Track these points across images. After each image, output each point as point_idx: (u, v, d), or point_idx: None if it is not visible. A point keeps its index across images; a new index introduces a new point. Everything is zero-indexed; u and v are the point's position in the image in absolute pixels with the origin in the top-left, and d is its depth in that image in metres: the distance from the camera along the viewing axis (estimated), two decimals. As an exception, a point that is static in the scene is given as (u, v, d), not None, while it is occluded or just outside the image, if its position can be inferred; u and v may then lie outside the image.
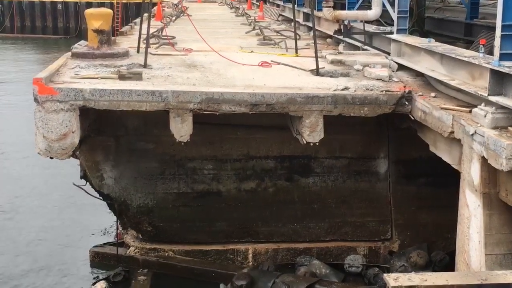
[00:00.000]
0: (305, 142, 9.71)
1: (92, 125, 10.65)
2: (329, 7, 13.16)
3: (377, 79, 10.36)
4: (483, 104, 7.95)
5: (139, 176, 11.44)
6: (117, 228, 12.47)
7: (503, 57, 7.67)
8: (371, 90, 9.77)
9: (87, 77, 10.07)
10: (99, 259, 12.07)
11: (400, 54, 11.26)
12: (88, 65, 11.10)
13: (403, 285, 6.28)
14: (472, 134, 7.76)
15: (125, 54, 12.11)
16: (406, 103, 9.62)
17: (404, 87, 9.89)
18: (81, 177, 11.56)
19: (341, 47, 13.96)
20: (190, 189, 11.57)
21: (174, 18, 22.10)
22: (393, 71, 10.91)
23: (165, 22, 18.77)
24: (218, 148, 11.53)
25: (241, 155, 11.59)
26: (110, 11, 12.60)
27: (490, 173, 7.63)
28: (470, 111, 8.18)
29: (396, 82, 10.25)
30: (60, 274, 11.81)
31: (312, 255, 11.54)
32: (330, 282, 10.83)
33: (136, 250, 11.74)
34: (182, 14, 23.28)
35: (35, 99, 9.14)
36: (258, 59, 12.30)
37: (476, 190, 7.79)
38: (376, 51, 12.41)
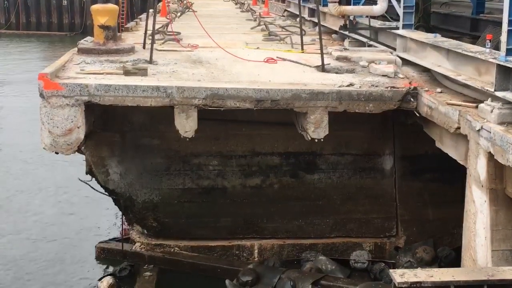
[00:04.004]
0: (309, 138, 9.70)
1: (98, 120, 10.66)
2: (335, 2, 13.12)
3: (383, 75, 10.34)
4: (489, 99, 7.93)
5: (145, 171, 11.45)
6: (123, 224, 12.50)
7: (509, 52, 7.63)
8: (376, 86, 9.75)
9: (92, 73, 10.09)
10: (105, 255, 12.09)
11: (406, 50, 11.23)
12: (94, 60, 11.13)
13: (409, 281, 6.28)
14: (479, 130, 7.73)
15: (131, 50, 12.13)
16: (411, 99, 9.59)
17: (410, 83, 9.86)
18: (87, 173, 11.58)
19: (346, 43, 13.93)
20: (195, 185, 11.57)
21: (179, 14, 22.12)
22: (398, 66, 10.88)
23: (170, 18, 18.77)
24: (223, 144, 11.52)
25: (246, 151, 11.58)
26: (116, 7, 12.63)
27: (496, 168, 7.61)
28: (477, 107, 8.15)
29: (402, 78, 10.23)
30: (66, 270, 11.85)
31: (318, 251, 11.53)
32: (336, 277, 10.83)
33: (142, 246, 11.76)
34: (187, 10, 23.29)
35: (41, 94, 9.17)
36: (264, 55, 12.29)
37: (482, 186, 7.77)
38: (382, 47, 12.38)
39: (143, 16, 20.56)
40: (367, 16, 13.21)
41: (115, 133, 11.29)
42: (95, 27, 12.03)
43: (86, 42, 12.45)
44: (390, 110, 9.79)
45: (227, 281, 10.62)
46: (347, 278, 10.95)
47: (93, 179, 11.56)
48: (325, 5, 15.15)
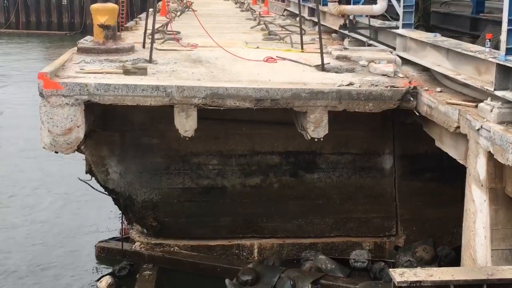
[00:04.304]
0: (309, 138, 9.70)
1: (98, 120, 10.66)
2: (334, 1, 13.12)
3: (383, 74, 10.34)
4: (489, 98, 7.92)
5: (144, 171, 11.45)
6: (122, 223, 12.49)
7: (509, 51, 7.63)
8: (376, 85, 9.75)
9: (92, 72, 10.08)
10: (104, 254, 12.10)
11: (405, 49, 11.22)
12: (94, 60, 11.13)
13: (408, 280, 6.28)
14: (478, 129, 7.73)
15: (131, 49, 12.12)
16: (411, 98, 9.59)
17: (410, 82, 9.86)
18: (87, 172, 11.58)
19: (346, 42, 13.92)
20: (195, 184, 11.57)
21: (179, 13, 22.11)
22: (398, 66, 10.87)
23: (170, 17, 18.76)
24: (223, 144, 11.52)
25: (246, 151, 11.58)
26: (115, 6, 12.62)
27: (496, 168, 7.61)
28: (476, 106, 8.15)
29: (401, 77, 10.23)
30: (66, 269, 11.84)
31: (318, 250, 11.54)
32: (336, 277, 10.83)
33: (142, 245, 11.76)
34: (187, 9, 23.29)
35: (40, 94, 9.17)
36: (263, 54, 12.29)
37: (482, 185, 7.77)
38: (382, 47, 12.37)
39: (143, 15, 20.57)
40: (367, 16, 13.21)
41: (115, 132, 11.29)
42: (94, 27, 12.02)
43: (86, 41, 12.44)
44: (389, 110, 9.78)
45: (227, 281, 10.62)
46: (347, 278, 10.96)
47: (93, 178, 11.57)
48: (325, 4, 15.15)
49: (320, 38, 11.30)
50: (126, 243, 11.94)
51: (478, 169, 7.86)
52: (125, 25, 18.47)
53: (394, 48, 11.66)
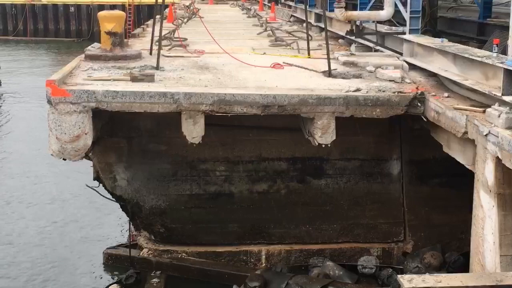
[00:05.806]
0: (317, 144, 9.69)
1: (105, 126, 10.69)
2: (341, 7, 13.13)
3: (390, 80, 10.33)
4: (497, 104, 7.90)
5: (152, 177, 11.47)
6: (130, 230, 12.50)
7: (517, 56, 7.63)
8: (383, 91, 9.74)
9: (99, 79, 10.12)
10: (112, 261, 12.10)
11: (412, 55, 11.22)
12: (101, 67, 11.17)
13: (417, 286, 6.26)
14: (486, 135, 7.71)
15: (138, 56, 12.16)
16: (419, 104, 9.57)
17: (417, 88, 9.84)
18: (94, 179, 11.61)
19: (353, 48, 13.93)
20: (203, 190, 11.58)
21: (186, 20, 22.17)
22: (405, 71, 10.86)
23: (177, 24, 18.82)
24: (230, 150, 11.53)
25: (253, 157, 11.59)
26: (122, 13, 12.68)
27: (504, 173, 7.57)
28: (484, 111, 8.13)
29: (409, 83, 10.21)
30: (74, 276, 11.86)
31: (325, 257, 11.51)
32: (344, 283, 10.81)
33: (149, 252, 11.77)
34: (194, 15, 23.36)
35: (49, 101, 9.20)
36: (270, 60, 12.30)
37: (490, 191, 7.73)
38: (389, 52, 12.37)
39: (150, 22, 20.61)
40: (373, 21, 13.21)
41: (122, 139, 11.32)
42: (102, 34, 12.07)
43: (93, 48, 12.49)
44: (397, 115, 9.77)
45: (234, 287, 10.61)
46: (355, 284, 10.93)
47: (101, 185, 11.59)
48: (332, 10, 15.15)
49: (327, 44, 11.31)
50: (134, 250, 11.94)
51: (486, 175, 7.83)
52: (132, 32, 18.55)
53: (401, 54, 11.65)
